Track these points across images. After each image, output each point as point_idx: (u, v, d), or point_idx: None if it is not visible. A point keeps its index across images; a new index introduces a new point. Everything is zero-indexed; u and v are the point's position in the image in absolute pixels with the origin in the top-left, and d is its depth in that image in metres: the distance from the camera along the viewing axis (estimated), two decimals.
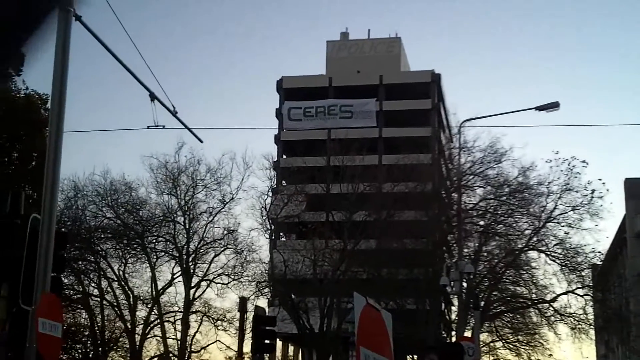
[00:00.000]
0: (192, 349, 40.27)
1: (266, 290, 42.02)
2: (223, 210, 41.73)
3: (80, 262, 39.33)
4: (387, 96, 60.76)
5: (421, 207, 39.32)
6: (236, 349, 31.42)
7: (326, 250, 40.74)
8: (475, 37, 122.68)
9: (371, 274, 39.78)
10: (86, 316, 40.50)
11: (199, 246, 41.30)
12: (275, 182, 46.43)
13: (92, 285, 41.12)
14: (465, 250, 35.87)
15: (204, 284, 41.17)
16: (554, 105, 29.53)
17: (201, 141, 18.61)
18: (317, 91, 58.29)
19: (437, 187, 40.25)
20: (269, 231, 44.03)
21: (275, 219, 43.12)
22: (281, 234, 45.30)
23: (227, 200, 41.74)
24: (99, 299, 40.56)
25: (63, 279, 15.67)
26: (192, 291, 40.38)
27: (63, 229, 28.22)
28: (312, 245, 40.60)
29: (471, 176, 37.04)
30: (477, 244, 37.68)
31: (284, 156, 58.46)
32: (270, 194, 42.91)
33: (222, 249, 41.77)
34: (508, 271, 37.69)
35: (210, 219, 41.69)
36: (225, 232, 41.94)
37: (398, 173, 41.72)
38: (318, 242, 40.75)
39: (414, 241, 38.98)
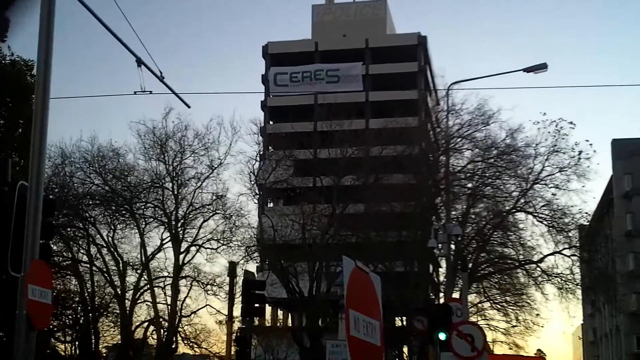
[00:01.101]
0: (183, 314, 40.48)
1: (255, 255, 42.14)
2: (211, 175, 41.74)
3: (68, 229, 39.31)
4: (373, 60, 60.09)
5: (409, 170, 39.34)
6: (226, 313, 31.63)
7: (315, 214, 40.80)
8: None
9: (360, 238, 39.90)
10: (76, 282, 40.57)
11: (187, 212, 41.33)
12: (262, 148, 46.16)
13: (81, 251, 41.18)
14: (453, 212, 36.05)
15: (193, 249, 41.32)
16: (542, 67, 29.51)
17: (189, 106, 18.57)
18: (304, 56, 57.51)
19: (425, 149, 40.22)
20: (258, 196, 44.03)
21: (263, 184, 43.10)
22: (269, 199, 45.30)
23: (216, 166, 41.73)
24: (88, 266, 40.64)
25: (52, 245, 15.64)
26: (181, 256, 40.50)
27: (51, 196, 28.09)
28: (301, 210, 40.63)
29: (459, 139, 37.07)
30: (464, 207, 37.82)
31: (271, 122, 58.02)
32: (258, 159, 42.83)
33: (211, 214, 41.84)
34: (496, 233, 37.88)
35: (198, 184, 41.75)
36: (214, 197, 41.98)
37: (386, 136, 41.65)
38: (307, 206, 40.78)
39: (402, 204, 39.04)
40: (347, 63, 57.98)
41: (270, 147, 50.12)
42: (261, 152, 45.06)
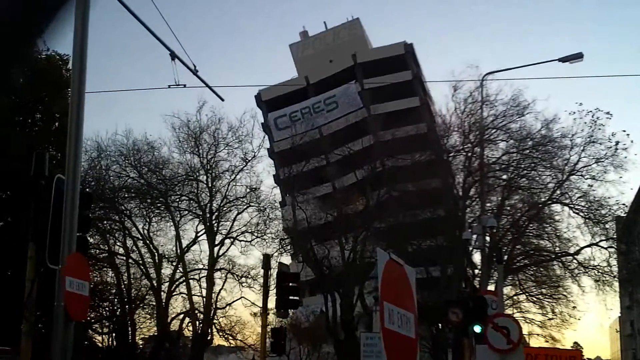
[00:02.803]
0: (218, 306, 40.70)
1: (289, 247, 42.24)
2: (245, 168, 41.85)
3: (105, 222, 39.63)
4: (365, 75, 57.24)
5: (431, 175, 39.18)
6: (261, 305, 31.72)
7: (348, 207, 40.87)
8: None
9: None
10: (112, 275, 40.95)
11: (221, 204, 41.50)
12: (280, 194, 44.98)
13: (118, 244, 41.53)
14: (488, 204, 35.82)
15: (227, 241, 41.48)
16: (578, 57, 29.11)
17: (222, 99, 18.67)
18: (298, 94, 54.79)
19: (439, 153, 39.90)
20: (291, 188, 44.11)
21: (296, 177, 43.16)
22: (302, 192, 45.25)
23: (249, 159, 41.84)
24: (124, 258, 40.96)
25: (89, 238, 15.81)
26: (216, 249, 40.69)
27: (87, 189, 28.39)
28: (334, 202, 40.73)
29: (493, 130, 36.79)
30: (499, 198, 37.57)
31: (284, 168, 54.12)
32: (279, 206, 42.80)
33: (245, 206, 41.99)
34: (531, 224, 37.60)
35: (232, 177, 41.90)
36: (248, 190, 42.11)
37: (396, 146, 41.35)
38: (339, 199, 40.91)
39: (432, 210, 39.21)
40: (340, 86, 55.88)
41: (287, 194, 48.28)
42: (280, 200, 44.91)
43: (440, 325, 39.55)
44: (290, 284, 25.83)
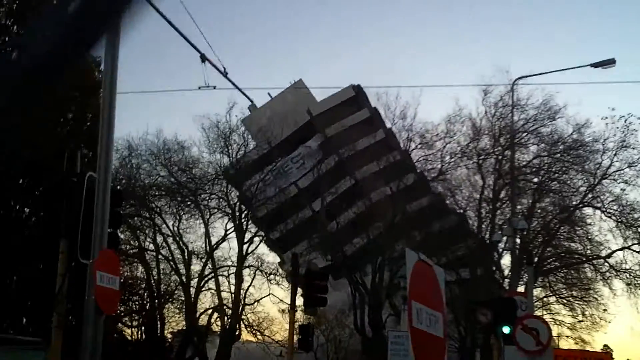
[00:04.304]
0: (246, 302, 40.93)
1: (318, 245, 42.35)
2: (274, 168, 41.97)
3: (135, 219, 40.00)
4: (325, 125, 55.46)
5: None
6: (289, 302, 31.86)
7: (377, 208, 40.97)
8: None
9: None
10: (142, 270, 41.32)
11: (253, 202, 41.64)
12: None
13: (148, 240, 41.89)
14: (519, 207, 35.68)
15: (256, 239, 41.69)
16: (610, 62, 28.92)
17: (251, 101, 18.79)
18: (263, 160, 50.40)
19: (419, 174, 40.85)
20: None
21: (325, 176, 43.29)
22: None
23: (279, 159, 41.91)
24: (154, 254, 41.33)
25: (119, 234, 16.01)
26: (245, 246, 40.91)
27: (118, 187, 28.73)
28: (363, 203, 40.84)
29: (524, 133, 36.65)
30: (530, 201, 37.41)
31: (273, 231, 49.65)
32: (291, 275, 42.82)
33: (274, 205, 42.09)
34: (562, 227, 37.36)
35: (261, 177, 42.03)
36: (277, 189, 42.23)
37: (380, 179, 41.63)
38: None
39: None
40: (303, 144, 53.95)
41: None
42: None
43: (468, 325, 39.44)
44: (319, 282, 25.96)
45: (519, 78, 32.98)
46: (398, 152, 42.48)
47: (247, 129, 42.38)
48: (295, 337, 27.23)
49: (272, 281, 41.35)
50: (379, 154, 43.15)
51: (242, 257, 40.55)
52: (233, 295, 40.44)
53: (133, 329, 43.13)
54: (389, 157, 42.19)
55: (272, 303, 42.49)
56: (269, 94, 55.92)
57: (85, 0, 2.03)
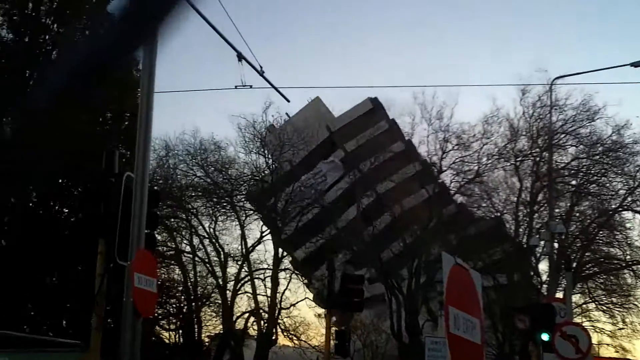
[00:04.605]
0: (282, 306, 40.91)
1: (354, 249, 42.22)
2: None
3: (172, 220, 40.22)
4: (344, 140, 54.51)
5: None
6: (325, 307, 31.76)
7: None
8: None
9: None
10: (179, 272, 41.52)
11: (286, 205, 41.68)
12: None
13: (184, 242, 42.10)
14: (557, 210, 35.21)
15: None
16: None
17: (288, 100, 18.80)
18: (284, 179, 49.27)
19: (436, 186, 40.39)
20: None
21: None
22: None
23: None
24: (191, 256, 41.50)
25: (156, 235, 16.04)
26: (280, 249, 40.89)
27: (155, 187, 28.83)
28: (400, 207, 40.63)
29: (563, 135, 36.21)
30: (568, 204, 36.93)
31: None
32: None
33: (311, 208, 42.05)
34: (601, 232, 36.85)
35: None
36: (313, 191, 42.17)
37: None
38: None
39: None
40: (324, 161, 53.13)
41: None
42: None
43: (506, 332, 39.01)
44: (355, 286, 25.82)
45: (558, 77, 32.56)
46: (419, 162, 42.42)
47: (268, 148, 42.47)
48: (332, 342, 27.11)
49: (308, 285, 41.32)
50: (399, 166, 43.08)
51: (277, 260, 40.55)
52: (269, 298, 40.46)
53: (170, 332, 43.41)
54: (408, 169, 42.20)
55: (309, 307, 42.47)
56: (286, 113, 54.34)
57: (130, 3, 1.97)
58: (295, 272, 41.68)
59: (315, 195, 42.74)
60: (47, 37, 26.08)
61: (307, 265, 44.35)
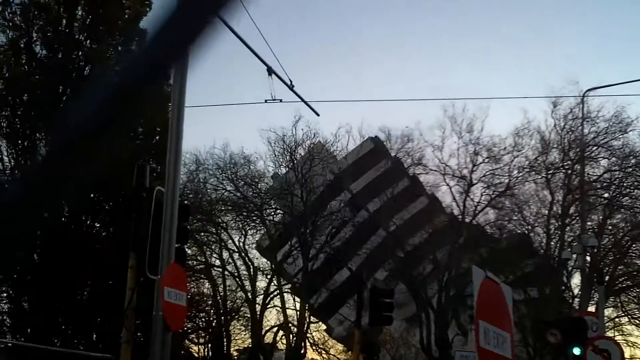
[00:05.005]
0: (311, 320, 40.85)
1: (383, 263, 42.10)
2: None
3: (202, 234, 40.40)
4: (351, 180, 54.38)
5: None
6: (354, 320, 31.65)
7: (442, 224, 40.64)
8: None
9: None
10: (209, 286, 41.67)
11: (316, 219, 41.65)
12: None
13: (214, 256, 42.29)
14: (589, 223, 34.86)
15: (321, 255, 41.56)
16: None
17: (317, 114, 18.81)
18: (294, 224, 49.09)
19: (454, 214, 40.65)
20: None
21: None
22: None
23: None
24: (220, 270, 41.64)
25: (186, 249, 16.12)
26: (310, 263, 40.86)
27: (186, 202, 28.96)
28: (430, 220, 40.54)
29: (595, 147, 35.90)
30: (601, 217, 36.56)
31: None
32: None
33: (339, 221, 42.02)
34: (634, 245, 36.43)
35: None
36: (342, 205, 42.16)
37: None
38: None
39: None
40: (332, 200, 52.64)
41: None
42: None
43: (537, 346, 38.61)
44: (384, 300, 25.71)
45: (589, 90, 32.34)
46: (426, 196, 42.45)
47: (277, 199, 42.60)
48: (361, 357, 26.98)
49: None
50: (406, 202, 43.23)
51: (307, 274, 40.51)
52: (298, 312, 40.43)
53: (200, 346, 43.50)
54: (416, 205, 42.21)
55: (338, 321, 42.31)
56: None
57: (164, 21, 1.99)
58: (325, 286, 41.53)
59: (345, 217, 42.61)
60: (80, 53, 26.40)
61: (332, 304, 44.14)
